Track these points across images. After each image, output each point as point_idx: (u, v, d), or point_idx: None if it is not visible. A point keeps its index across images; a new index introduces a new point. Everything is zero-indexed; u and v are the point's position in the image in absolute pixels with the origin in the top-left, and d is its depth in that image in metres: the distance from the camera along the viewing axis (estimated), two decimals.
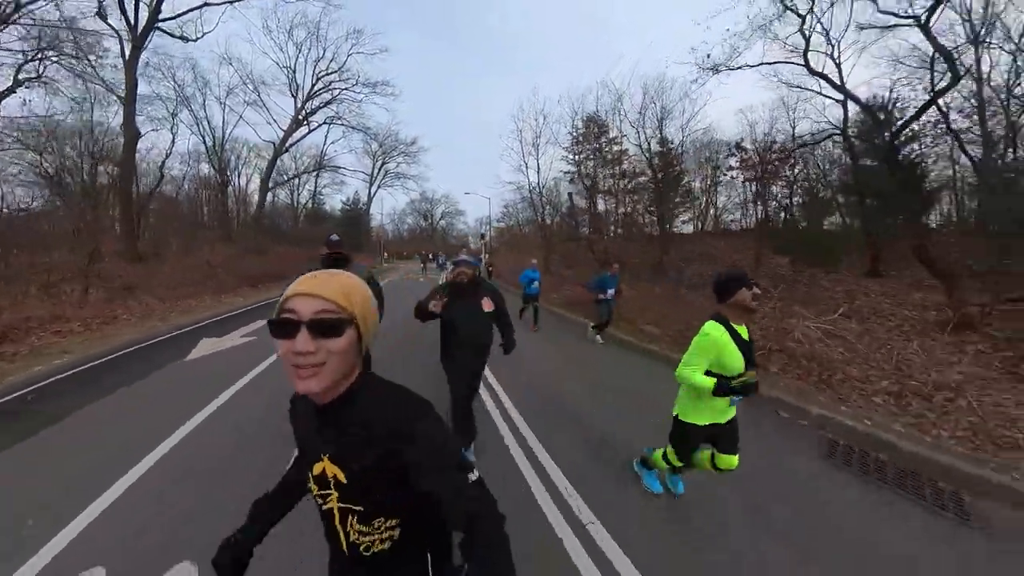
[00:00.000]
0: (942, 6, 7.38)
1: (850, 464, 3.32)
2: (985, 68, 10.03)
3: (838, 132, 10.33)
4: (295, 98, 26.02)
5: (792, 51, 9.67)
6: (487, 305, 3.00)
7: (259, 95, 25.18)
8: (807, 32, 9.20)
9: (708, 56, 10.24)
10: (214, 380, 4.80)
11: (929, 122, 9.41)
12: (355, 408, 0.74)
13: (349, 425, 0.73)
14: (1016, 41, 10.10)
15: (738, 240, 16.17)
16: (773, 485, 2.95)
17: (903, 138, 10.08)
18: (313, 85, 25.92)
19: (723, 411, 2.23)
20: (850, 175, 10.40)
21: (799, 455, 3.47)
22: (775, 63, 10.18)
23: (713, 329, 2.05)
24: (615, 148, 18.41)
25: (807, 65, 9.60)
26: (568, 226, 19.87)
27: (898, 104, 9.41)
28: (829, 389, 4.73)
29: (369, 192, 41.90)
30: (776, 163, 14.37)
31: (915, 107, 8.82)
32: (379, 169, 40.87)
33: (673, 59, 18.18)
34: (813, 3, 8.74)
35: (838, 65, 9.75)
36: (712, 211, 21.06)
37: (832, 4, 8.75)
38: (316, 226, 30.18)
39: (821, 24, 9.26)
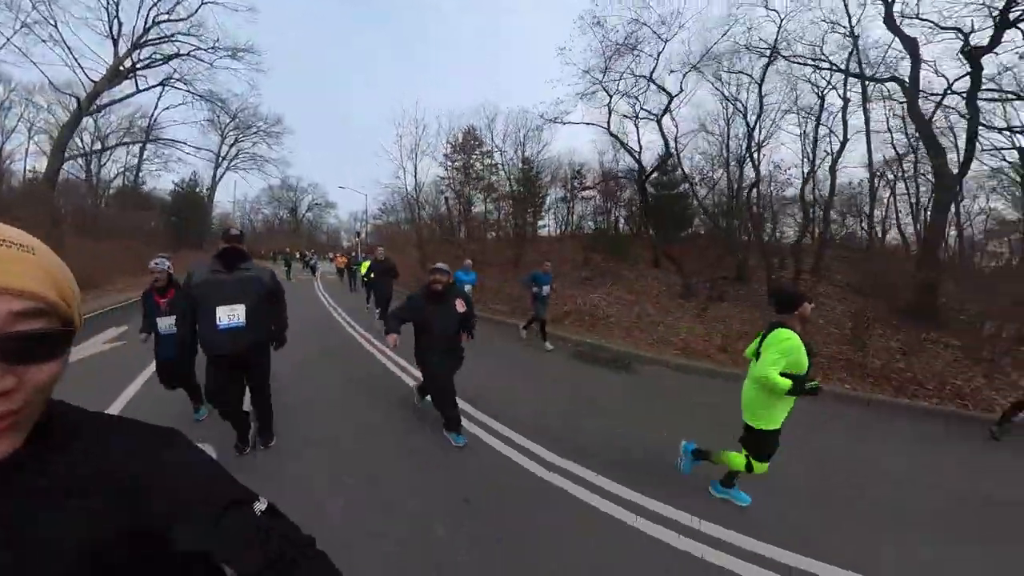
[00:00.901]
0: (675, 111, 12.40)
1: (583, 358, 5.76)
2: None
3: (634, 173, 14.35)
4: (115, 41, 19.05)
5: (603, 115, 13.54)
6: (460, 306, 3.21)
7: (55, 24, 17.23)
8: (612, 106, 13.40)
9: (543, 115, 14.40)
10: (96, 389, 3.90)
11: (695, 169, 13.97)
12: (40, 457, 0.41)
13: (30, 492, 0.40)
14: (747, 120, 15.58)
15: (583, 242, 19.95)
16: (544, 368, 5.15)
17: (675, 179, 14.68)
18: (147, 30, 19.22)
19: (787, 411, 2.41)
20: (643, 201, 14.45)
21: (559, 356, 5.83)
22: (590, 124, 14.42)
23: (792, 334, 2.28)
24: (486, 161, 20.64)
25: (608, 129, 13.78)
26: (444, 228, 21.34)
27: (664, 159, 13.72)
28: (594, 329, 7.25)
29: (214, 175, 35.01)
30: (609, 185, 18.55)
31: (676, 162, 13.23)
32: (230, 147, 34.37)
33: (525, 109, 22.29)
34: (614, 92, 12.97)
35: (637, 127, 13.73)
36: (572, 217, 25.13)
37: (622, 97, 13.10)
38: (129, 208, 23.28)
39: (629, 96, 12.96)
